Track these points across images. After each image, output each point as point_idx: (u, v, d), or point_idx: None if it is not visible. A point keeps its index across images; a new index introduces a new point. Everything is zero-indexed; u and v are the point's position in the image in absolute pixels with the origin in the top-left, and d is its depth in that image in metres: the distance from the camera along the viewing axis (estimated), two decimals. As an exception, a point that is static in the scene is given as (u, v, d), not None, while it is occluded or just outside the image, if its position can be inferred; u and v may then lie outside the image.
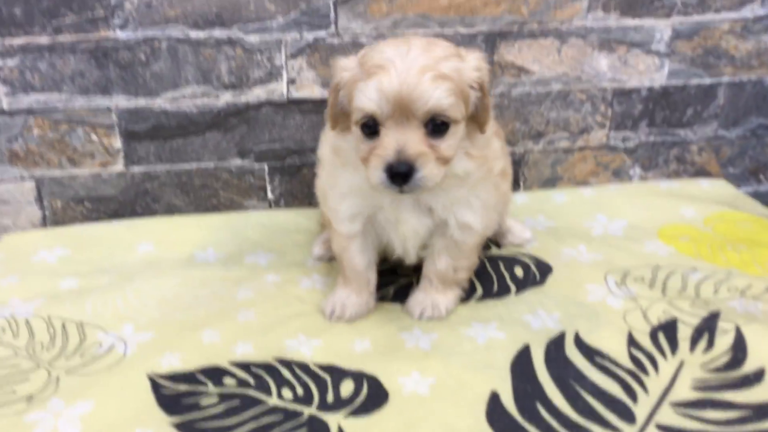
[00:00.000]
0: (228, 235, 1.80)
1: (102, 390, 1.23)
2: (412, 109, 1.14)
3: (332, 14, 1.76)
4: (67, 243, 1.75)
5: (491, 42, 1.83)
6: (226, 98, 1.81)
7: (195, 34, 1.74)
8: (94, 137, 1.80)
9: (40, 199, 1.85)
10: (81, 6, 1.68)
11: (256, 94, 1.81)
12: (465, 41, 1.82)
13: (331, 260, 1.67)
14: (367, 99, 1.15)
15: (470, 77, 1.20)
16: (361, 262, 1.43)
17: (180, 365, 1.30)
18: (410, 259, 1.47)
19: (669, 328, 1.38)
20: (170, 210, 1.90)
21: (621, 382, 1.23)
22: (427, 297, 1.43)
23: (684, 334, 1.36)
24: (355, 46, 1.78)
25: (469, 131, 1.26)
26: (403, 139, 1.14)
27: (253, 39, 1.76)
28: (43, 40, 1.70)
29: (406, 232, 1.37)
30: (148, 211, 1.90)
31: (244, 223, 1.86)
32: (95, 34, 1.71)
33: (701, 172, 2.07)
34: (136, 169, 1.85)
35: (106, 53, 1.73)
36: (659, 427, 1.12)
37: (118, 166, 1.84)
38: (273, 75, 1.80)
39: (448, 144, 1.18)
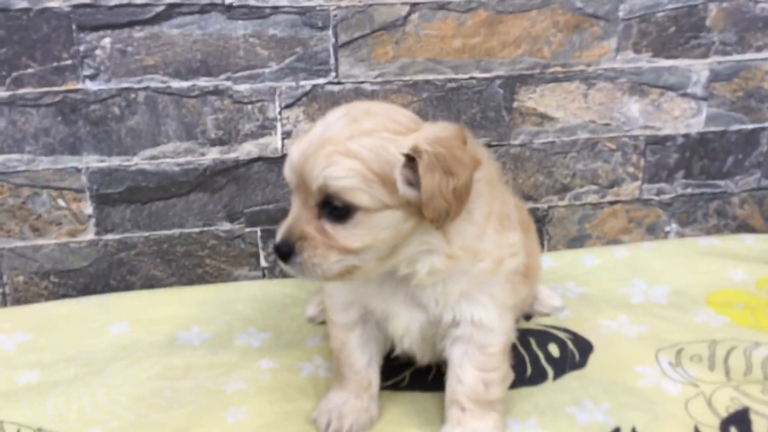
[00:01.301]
0: (215, 310, 1.58)
1: None
2: (307, 184, 1.01)
3: (332, 59, 1.57)
4: (28, 325, 1.52)
5: (510, 87, 1.64)
6: (212, 155, 1.61)
7: (177, 83, 1.54)
8: (61, 202, 1.59)
9: (-1, 273, 1.64)
10: (45, 55, 1.48)
11: (247, 149, 1.61)
12: (481, 86, 1.63)
13: (323, 323, 1.49)
14: (285, 166, 1.07)
15: (394, 156, 0.98)
16: (360, 359, 1.21)
17: (156, 485, 1.07)
18: (420, 359, 1.25)
19: (741, 421, 1.19)
20: (149, 283, 1.69)
21: (699, 499, 1.02)
22: (466, 430, 1.16)
23: (760, 428, 1.16)
24: (357, 94, 1.59)
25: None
26: (296, 216, 1.04)
27: (243, 88, 1.56)
28: (2, 93, 1.50)
29: (398, 328, 1.15)
30: (124, 285, 1.68)
31: (234, 296, 1.63)
32: (62, 86, 1.51)
33: (743, 227, 1.88)
34: (110, 237, 1.64)
35: (74, 107, 1.53)
36: None
37: (89, 235, 1.62)
38: (266, 128, 1.60)
39: (350, 233, 1.01)
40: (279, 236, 1.04)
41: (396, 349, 1.22)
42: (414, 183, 1.00)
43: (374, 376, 1.23)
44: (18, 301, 1.65)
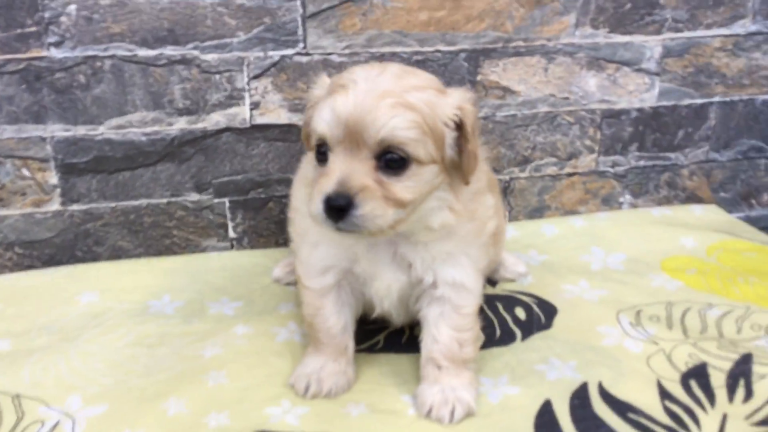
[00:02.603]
0: (186, 280, 1.58)
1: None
2: (364, 137, 1.00)
3: (300, 30, 1.58)
4: (-6, 296, 1.49)
5: (474, 60, 1.68)
6: (180, 125, 1.60)
7: (144, 52, 1.53)
8: (25, 172, 1.56)
9: (-40, 245, 1.60)
10: (8, 21, 1.45)
11: (215, 119, 1.61)
12: (446, 59, 1.66)
13: (289, 285, 1.54)
14: (321, 120, 1.03)
15: (446, 114, 1.04)
16: (336, 324, 1.22)
17: (142, 446, 1.08)
18: (395, 319, 1.28)
19: (700, 375, 1.25)
20: (116, 254, 1.67)
21: (664, 442, 1.09)
22: (445, 388, 1.17)
23: (718, 380, 1.23)
24: (325, 65, 1.61)
25: (452, 181, 1.09)
26: (348, 169, 1.01)
27: (210, 58, 1.56)
28: (-36, 60, 1.46)
29: (380, 289, 1.18)
30: (90, 256, 1.66)
31: (204, 266, 1.64)
32: (26, 53, 1.48)
33: (692, 198, 1.96)
34: (76, 208, 1.62)
35: (38, 75, 1.50)
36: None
37: (54, 205, 1.60)
38: (234, 98, 1.61)
39: (404, 185, 1.03)
40: (332, 189, 1.00)
41: (375, 311, 1.24)
42: (451, 141, 1.06)
43: (350, 340, 1.25)
44: (-20, 274, 1.61)
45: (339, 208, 0.99)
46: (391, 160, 1.01)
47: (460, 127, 1.05)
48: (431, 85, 1.06)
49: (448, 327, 1.19)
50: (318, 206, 1.01)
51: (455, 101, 1.05)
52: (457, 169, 1.09)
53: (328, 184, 1.00)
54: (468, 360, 1.21)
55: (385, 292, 1.18)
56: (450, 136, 1.05)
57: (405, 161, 1.02)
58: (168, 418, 1.14)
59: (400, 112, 0.99)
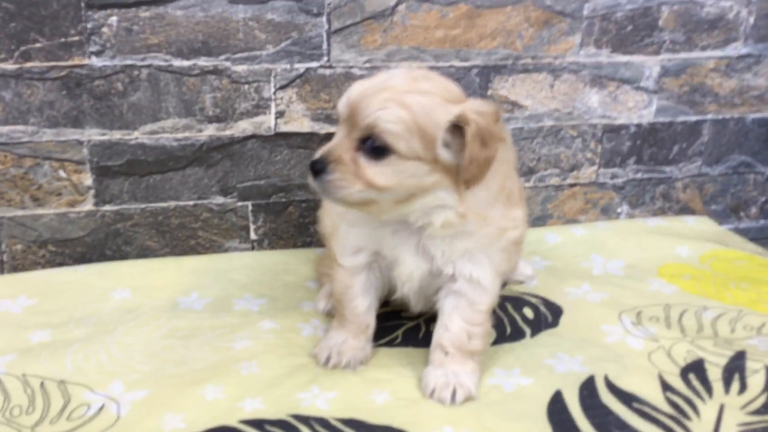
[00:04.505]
0: (211, 278, 1.65)
1: (102, 459, 1.08)
2: (357, 120, 1.14)
3: (325, 45, 1.67)
4: (31, 291, 1.56)
5: (485, 76, 1.79)
6: (209, 131, 1.69)
7: (179, 62, 1.61)
8: (62, 173, 1.64)
9: (-5, 242, 1.68)
10: (53, 30, 1.53)
11: (242, 127, 1.70)
12: (459, 74, 1.76)
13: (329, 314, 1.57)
14: (341, 98, 1.20)
15: (441, 119, 1.12)
16: (362, 304, 1.33)
17: (185, 427, 1.16)
18: (413, 306, 1.38)
19: (698, 369, 1.35)
20: (143, 253, 1.75)
21: (666, 429, 1.18)
22: (448, 373, 1.27)
23: (714, 374, 1.33)
24: (347, 78, 1.70)
25: (456, 185, 1.18)
26: (337, 143, 1.16)
27: (240, 69, 1.65)
28: (9, 66, 1.54)
29: (402, 273, 1.28)
30: (119, 255, 1.74)
31: (228, 265, 1.71)
32: (68, 61, 1.56)
33: (685, 210, 2.07)
34: (108, 209, 1.69)
35: (79, 82, 1.58)
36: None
37: (88, 206, 1.68)
38: (260, 107, 1.69)
39: (380, 170, 1.13)
40: (318, 154, 1.16)
41: (396, 294, 1.34)
42: (450, 145, 1.13)
43: (371, 320, 1.36)
44: (15, 269, 1.68)
45: (316, 171, 1.15)
46: (374, 146, 1.13)
47: (454, 130, 1.14)
48: (441, 93, 1.15)
49: (461, 319, 1.28)
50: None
51: (458, 110, 1.12)
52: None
53: (319, 150, 1.18)
54: (475, 352, 1.29)
55: (407, 277, 1.28)
56: (442, 139, 1.13)
57: (386, 150, 1.12)
58: (207, 403, 1.22)
59: (390, 106, 1.11)
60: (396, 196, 1.16)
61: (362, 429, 1.16)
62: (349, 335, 1.34)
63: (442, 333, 1.29)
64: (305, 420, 1.18)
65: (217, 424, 1.17)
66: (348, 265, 1.31)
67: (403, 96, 1.12)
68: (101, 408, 1.21)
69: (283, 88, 1.69)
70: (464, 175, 1.14)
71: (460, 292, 1.27)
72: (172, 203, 1.73)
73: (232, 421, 1.17)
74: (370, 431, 1.16)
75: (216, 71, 1.64)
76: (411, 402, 1.25)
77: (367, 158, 1.14)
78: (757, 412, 1.23)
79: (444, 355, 1.28)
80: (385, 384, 1.29)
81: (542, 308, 1.57)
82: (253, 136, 1.71)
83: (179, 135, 1.67)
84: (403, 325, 1.48)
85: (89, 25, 1.55)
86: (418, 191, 1.16)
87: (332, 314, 1.47)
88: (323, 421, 1.18)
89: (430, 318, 1.42)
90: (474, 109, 1.13)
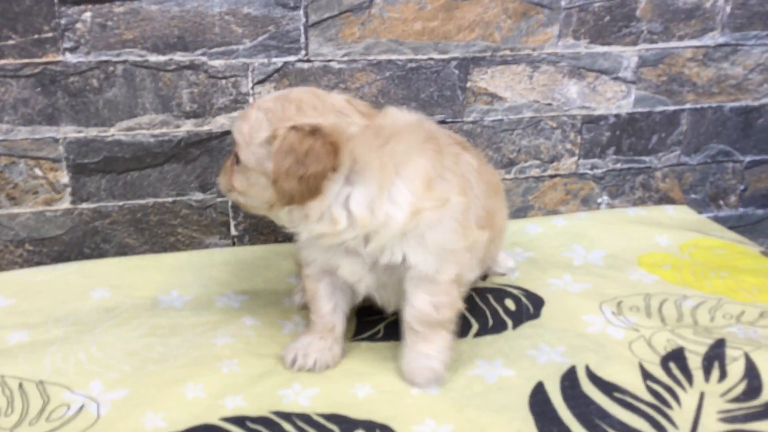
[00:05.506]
0: (191, 275, 1.65)
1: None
2: None
3: (303, 38, 1.66)
4: (8, 291, 1.55)
5: (464, 68, 1.78)
6: (187, 127, 1.67)
7: (154, 58, 1.60)
8: (38, 172, 1.62)
9: (-30, 242, 1.65)
10: (26, 27, 1.51)
11: (220, 122, 1.69)
12: (438, 66, 1.76)
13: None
14: None
15: (260, 135, 1.20)
16: (326, 305, 1.35)
17: (166, 425, 1.16)
18: (385, 305, 1.39)
19: (678, 358, 1.36)
20: (122, 251, 1.73)
21: (647, 418, 1.19)
22: (419, 355, 1.28)
23: (695, 363, 1.34)
24: (325, 72, 1.69)
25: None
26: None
27: (217, 63, 1.64)
28: (-18, 63, 1.52)
29: (345, 275, 1.29)
30: (98, 253, 1.72)
31: (208, 261, 1.71)
32: (42, 57, 1.54)
33: (665, 199, 2.08)
34: (85, 206, 1.68)
35: (53, 79, 1.56)
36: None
37: (65, 204, 1.66)
38: (238, 102, 1.68)
39: (236, 176, 1.27)
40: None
41: (360, 295, 1.35)
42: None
43: (338, 321, 1.36)
44: (-8, 269, 1.67)
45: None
46: (235, 153, 1.25)
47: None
48: (278, 111, 1.19)
49: (424, 293, 1.27)
50: None
51: (273, 126, 1.18)
52: None
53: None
54: (445, 322, 1.29)
55: (352, 277, 1.29)
56: (262, 153, 1.20)
57: (238, 157, 1.24)
58: (187, 401, 1.21)
59: (242, 120, 1.23)
60: (257, 202, 1.28)
61: (345, 424, 1.17)
62: (315, 337, 1.35)
63: (408, 311, 1.29)
64: (287, 416, 1.18)
65: (199, 422, 1.16)
66: (310, 273, 1.34)
67: (250, 111, 1.23)
68: (81, 408, 1.20)
69: (260, 82, 1.68)
70: (275, 189, 1.18)
71: (416, 272, 1.26)
72: (151, 200, 1.71)
73: (213, 419, 1.17)
74: (353, 426, 1.16)
75: (192, 66, 1.63)
76: (393, 395, 1.25)
77: (235, 165, 1.27)
78: (736, 399, 1.24)
79: (414, 334, 1.29)
80: (367, 377, 1.29)
81: (524, 299, 1.57)
82: (231, 132, 1.70)
83: (156, 131, 1.66)
84: (385, 319, 1.48)
85: (63, 21, 1.53)
86: (272, 201, 1.23)
87: (307, 307, 1.46)
88: (305, 417, 1.18)
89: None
90: (287, 126, 1.16)
